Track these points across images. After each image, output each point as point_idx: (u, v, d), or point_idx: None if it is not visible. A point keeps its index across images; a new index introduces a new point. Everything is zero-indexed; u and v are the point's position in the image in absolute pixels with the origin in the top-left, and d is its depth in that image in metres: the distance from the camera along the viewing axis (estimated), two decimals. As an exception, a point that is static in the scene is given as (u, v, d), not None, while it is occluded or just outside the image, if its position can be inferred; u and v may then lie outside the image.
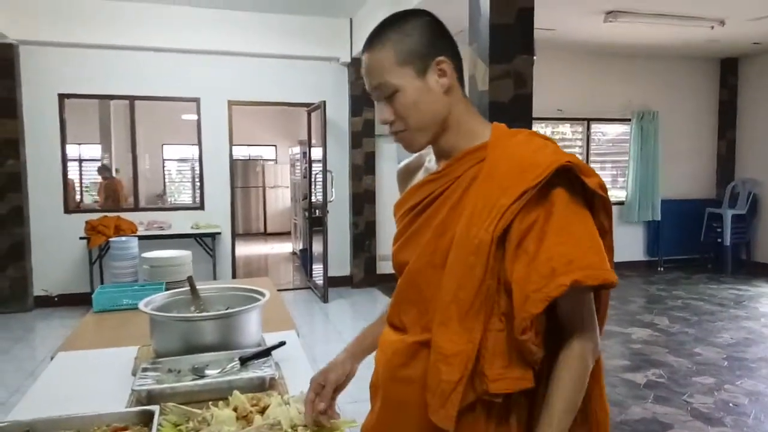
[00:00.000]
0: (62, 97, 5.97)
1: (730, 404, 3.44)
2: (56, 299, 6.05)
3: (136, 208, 6.56)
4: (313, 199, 6.98)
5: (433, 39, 1.06)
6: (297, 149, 9.96)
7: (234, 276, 6.64)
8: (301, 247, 8.61)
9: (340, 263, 6.87)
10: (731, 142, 7.99)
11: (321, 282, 6.38)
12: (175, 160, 11.13)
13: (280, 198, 12.07)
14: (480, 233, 1.00)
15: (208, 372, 1.51)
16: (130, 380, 1.57)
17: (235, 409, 1.24)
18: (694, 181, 8.16)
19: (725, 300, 6.11)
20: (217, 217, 6.53)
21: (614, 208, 4.65)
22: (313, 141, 6.93)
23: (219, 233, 6.42)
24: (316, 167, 6.80)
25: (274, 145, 12.44)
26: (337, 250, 6.77)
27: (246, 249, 9.88)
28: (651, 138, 7.74)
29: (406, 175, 1.27)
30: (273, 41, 6.37)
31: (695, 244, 7.88)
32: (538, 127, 7.17)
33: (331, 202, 6.21)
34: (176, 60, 6.24)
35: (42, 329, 5.40)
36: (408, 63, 1.05)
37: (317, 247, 6.99)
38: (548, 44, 6.72)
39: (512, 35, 3.09)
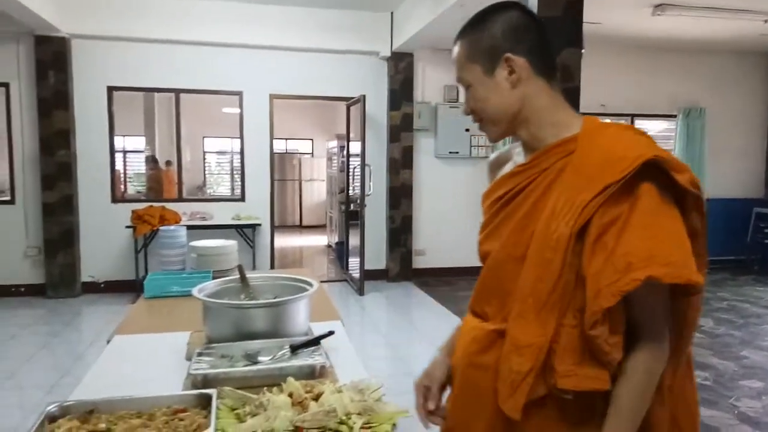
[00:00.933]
0: (111, 89, 6.15)
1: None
2: (102, 285, 6.25)
3: (179, 198, 6.72)
4: (351, 192, 7.02)
5: (507, 35, 1.07)
6: (334, 143, 10.03)
7: (272, 266, 6.74)
8: (336, 240, 8.68)
9: (376, 257, 6.90)
10: (781, 139, 7.70)
11: (357, 275, 6.43)
12: (215, 153, 11.36)
13: (315, 191, 12.20)
14: (560, 228, 0.99)
15: (260, 358, 1.55)
16: (184, 364, 1.62)
17: (290, 395, 1.27)
18: (742, 180, 7.89)
19: (773, 303, 5.91)
20: (257, 208, 6.63)
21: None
22: (352, 135, 6.96)
23: (259, 225, 6.53)
24: (354, 161, 6.84)
25: (311, 139, 12.57)
26: (374, 244, 6.80)
27: (282, 241, 10.02)
28: (697, 135, 7.51)
29: (495, 165, 1.28)
30: (314, 35, 6.43)
31: (742, 244, 7.63)
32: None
33: (368, 195, 6.24)
34: (220, 54, 6.35)
35: (89, 314, 5.60)
36: (476, 60, 1.08)
37: (354, 241, 7.04)
38: (594, 38, 6.58)
39: (560, 28, 3.04)
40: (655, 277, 0.90)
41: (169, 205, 6.30)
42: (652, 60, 7.43)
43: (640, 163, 0.94)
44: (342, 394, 1.28)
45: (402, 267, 6.94)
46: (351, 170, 6.97)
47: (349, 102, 6.76)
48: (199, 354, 1.55)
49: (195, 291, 1.77)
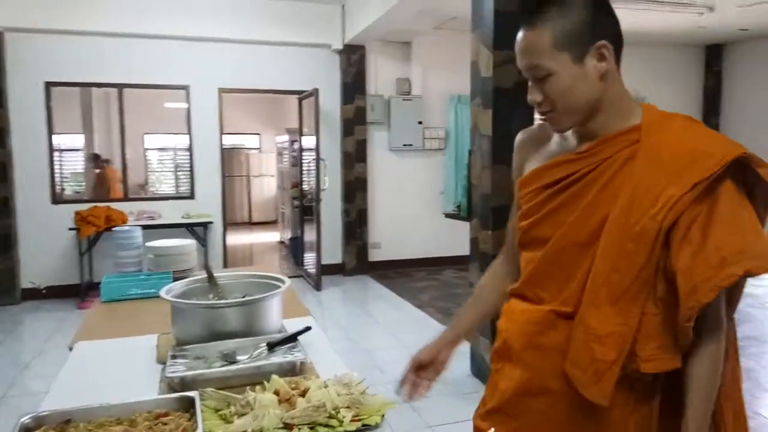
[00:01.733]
0: (49, 85, 5.83)
1: None
2: (44, 291, 5.95)
3: (125, 198, 6.47)
4: (305, 187, 6.94)
5: (595, 19, 1.01)
6: (284, 138, 9.87)
7: (225, 265, 6.60)
8: (290, 235, 8.58)
9: (332, 251, 6.86)
10: (715, 128, 8.10)
11: (313, 270, 6.38)
12: (156, 150, 10.96)
13: (265, 187, 12.01)
14: (643, 221, 0.99)
15: (238, 358, 1.51)
16: (156, 368, 1.57)
17: (276, 393, 1.25)
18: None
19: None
20: (207, 206, 6.47)
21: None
22: (305, 129, 6.88)
23: (211, 222, 6.37)
24: (307, 155, 6.76)
25: (258, 134, 12.33)
26: (329, 239, 6.75)
27: (232, 238, 9.78)
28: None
29: (529, 144, 1.22)
30: (264, 28, 6.30)
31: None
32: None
33: (324, 190, 6.19)
34: (165, 47, 6.13)
35: (32, 322, 5.32)
36: (566, 47, 1.00)
37: (309, 236, 6.98)
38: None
39: (516, 22, 3.09)
40: (749, 271, 0.93)
41: (114, 205, 6.06)
42: (594, 52, 7.66)
43: (731, 159, 0.96)
44: (328, 388, 1.27)
45: (358, 261, 6.93)
46: (305, 165, 6.89)
47: (302, 95, 6.68)
48: (174, 356, 1.50)
49: (163, 292, 1.72)
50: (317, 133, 6.08)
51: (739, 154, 0.95)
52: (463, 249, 7.35)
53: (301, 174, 6.94)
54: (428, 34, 6.65)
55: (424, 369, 1.28)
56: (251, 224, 11.74)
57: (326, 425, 1.17)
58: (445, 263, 7.26)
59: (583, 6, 1.01)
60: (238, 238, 10.03)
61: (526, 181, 1.16)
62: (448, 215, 3.99)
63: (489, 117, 3.14)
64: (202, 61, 6.28)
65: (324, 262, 6.51)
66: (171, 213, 6.33)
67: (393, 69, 6.96)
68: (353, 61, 6.67)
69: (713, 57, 8.08)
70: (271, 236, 10.34)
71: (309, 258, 6.82)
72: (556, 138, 1.16)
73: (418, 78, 7.01)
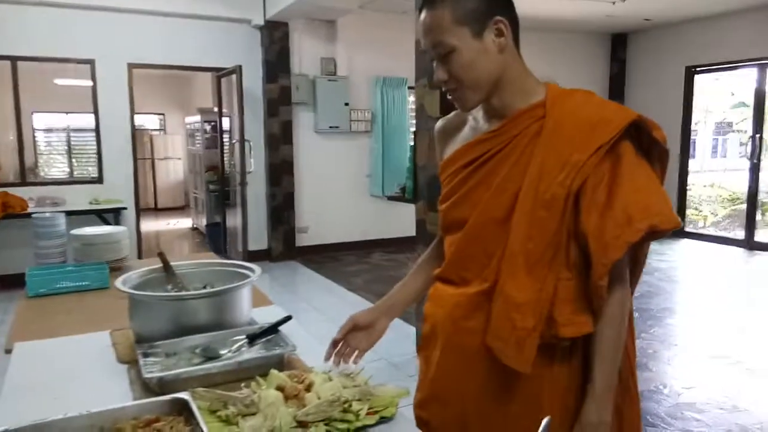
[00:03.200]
0: (-74, 54, 5.12)
1: (649, 351, 3.79)
2: (-70, 289, 5.28)
3: (23, 182, 5.85)
4: (227, 170, 6.63)
5: None
6: (195, 118, 9.36)
7: (140, 256, 6.18)
8: (206, 222, 8.19)
9: (258, 237, 6.63)
10: (620, 114, 8.65)
11: (238, 258, 6.13)
12: (43, 130, 9.96)
13: (171, 171, 11.38)
14: (552, 187, 1.03)
15: (222, 353, 1.38)
16: (119, 369, 1.41)
17: (279, 389, 1.14)
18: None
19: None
20: (117, 191, 6.00)
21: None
22: (224, 109, 6.55)
23: (124, 208, 5.91)
24: (228, 137, 6.45)
25: (162, 114, 11.62)
26: (254, 224, 6.52)
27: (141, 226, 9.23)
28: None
29: (446, 132, 1.28)
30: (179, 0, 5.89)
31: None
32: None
33: (250, 173, 5.93)
34: (68, 16, 5.56)
35: None
36: (465, 23, 1.04)
37: (231, 221, 6.69)
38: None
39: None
40: (654, 226, 0.99)
41: (10, 190, 5.46)
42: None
43: (628, 123, 1.03)
44: (334, 381, 1.18)
45: (285, 246, 6.75)
46: (225, 147, 6.57)
47: (221, 73, 6.34)
48: (146, 355, 1.34)
49: (119, 284, 1.54)
50: (241, 114, 5.81)
51: (634, 118, 1.03)
52: (392, 232, 7.43)
53: (222, 156, 6.62)
54: (354, 13, 6.52)
55: (358, 333, 1.27)
56: (157, 210, 11.07)
57: (342, 420, 1.08)
58: (373, 246, 7.24)
59: None
60: (144, 225, 9.43)
61: (445, 165, 1.21)
62: (391, 197, 3.94)
63: (436, 98, 3.11)
64: (110, 34, 5.78)
65: (249, 248, 6.28)
66: (76, 199, 5.82)
67: (318, 48, 6.78)
68: (276, 39, 6.41)
69: (618, 45, 8.57)
70: (182, 222, 9.82)
71: (232, 245, 6.55)
72: (470, 122, 1.20)
73: (343, 58, 6.88)
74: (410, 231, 7.44)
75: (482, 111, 1.17)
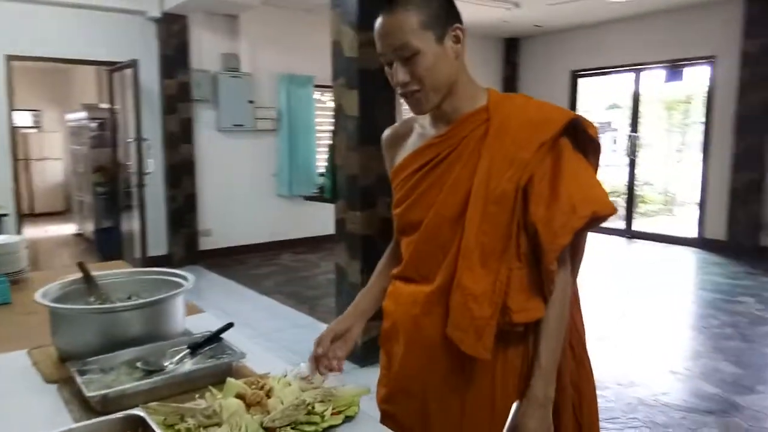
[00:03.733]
0: None
1: None
2: None
3: None
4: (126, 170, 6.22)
5: (449, 6, 1.13)
6: (80, 115, 8.67)
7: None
8: (93, 227, 7.61)
9: (156, 242, 6.28)
10: (513, 114, 9.18)
11: (136, 265, 5.78)
12: None
13: (48, 172, 10.49)
14: (502, 184, 1.10)
15: (166, 365, 1.32)
16: (48, 389, 1.30)
17: (239, 397, 1.11)
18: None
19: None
20: (-5, 195, 5.44)
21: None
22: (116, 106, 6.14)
23: (6, 215, 5.35)
24: (122, 135, 6.05)
25: (38, 110, 10.67)
26: (153, 228, 6.16)
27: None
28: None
29: (395, 140, 1.33)
30: (63, -14, 5.43)
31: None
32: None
33: (148, 174, 5.61)
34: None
35: None
36: (429, 28, 1.09)
37: (127, 226, 6.30)
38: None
39: (378, 2, 3.11)
40: (595, 212, 1.08)
41: None
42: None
43: (566, 121, 1.11)
44: (293, 386, 1.17)
45: (187, 250, 6.45)
46: (118, 146, 6.16)
47: (113, 67, 5.93)
48: (82, 372, 1.25)
49: (39, 297, 1.42)
50: (138, 111, 5.48)
51: (572, 117, 1.12)
52: (301, 232, 7.35)
53: (116, 156, 6.20)
54: (256, 8, 6.37)
55: (335, 342, 1.31)
56: (34, 215, 10.13)
57: (308, 422, 1.08)
58: (281, 247, 7.13)
59: None
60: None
61: (397, 171, 1.26)
62: (308, 197, 3.91)
63: (355, 98, 3.13)
64: (-18, 21, 5.21)
65: (148, 254, 5.94)
66: (-57, 204, 5.20)
67: (219, 43, 6.54)
68: (174, 32, 6.11)
69: (511, 49, 9.08)
70: (63, 228, 9.07)
71: (128, 251, 6.16)
72: (417, 130, 1.27)
73: (246, 54, 6.69)
74: (320, 230, 7.45)
75: (429, 117, 1.22)
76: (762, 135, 6.33)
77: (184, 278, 1.64)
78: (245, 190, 6.89)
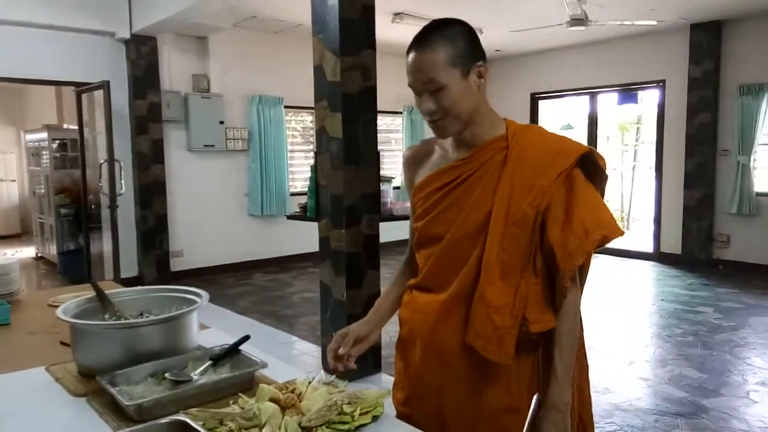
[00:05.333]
0: None
1: None
2: None
3: None
4: (90, 193, 6.13)
5: (473, 45, 1.24)
6: (40, 135, 8.47)
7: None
8: (56, 250, 7.42)
9: (127, 263, 6.18)
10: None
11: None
12: None
13: (5, 193, 10.18)
14: (523, 207, 1.22)
15: (193, 375, 1.39)
16: (76, 403, 1.34)
17: (274, 401, 1.19)
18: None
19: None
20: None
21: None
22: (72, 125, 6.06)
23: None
24: (90, 156, 5.98)
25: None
26: (123, 249, 6.06)
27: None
28: (418, 128, 8.72)
29: (416, 158, 1.43)
30: (33, 7, 5.38)
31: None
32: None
33: (120, 195, 5.56)
34: None
35: None
36: (456, 65, 1.20)
37: (96, 248, 6.19)
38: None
39: (359, 30, 3.26)
40: (606, 236, 1.21)
41: None
42: (386, 63, 8.27)
43: (581, 153, 1.24)
44: (321, 389, 1.26)
45: (159, 271, 6.37)
46: (87, 167, 6.08)
47: (82, 88, 5.88)
48: (112, 384, 1.30)
49: (60, 313, 1.47)
50: (110, 131, 5.43)
51: (585, 151, 1.25)
52: (273, 251, 7.35)
53: (84, 177, 6.11)
54: (226, 30, 6.44)
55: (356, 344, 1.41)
56: (-11, 239, 9.79)
57: (341, 422, 1.17)
58: (253, 267, 7.12)
59: (463, 34, 1.24)
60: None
61: (419, 188, 1.36)
62: (290, 216, 3.96)
63: (338, 120, 3.25)
64: (-53, 40, 5.11)
65: (120, 276, 5.86)
66: None
67: (188, 64, 6.57)
68: (143, 53, 6.10)
69: (474, 73, 9.37)
70: (21, 251, 8.79)
71: (98, 273, 6.05)
72: (438, 151, 1.38)
73: (216, 75, 6.74)
74: (292, 250, 7.47)
75: (452, 141, 1.34)
76: (710, 154, 6.76)
77: (196, 294, 1.70)
78: (217, 210, 6.88)
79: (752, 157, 6.44)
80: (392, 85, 8.35)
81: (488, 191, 1.24)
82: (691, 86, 6.76)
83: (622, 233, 1.22)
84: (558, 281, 1.21)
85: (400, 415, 1.36)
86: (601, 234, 1.19)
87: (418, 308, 1.34)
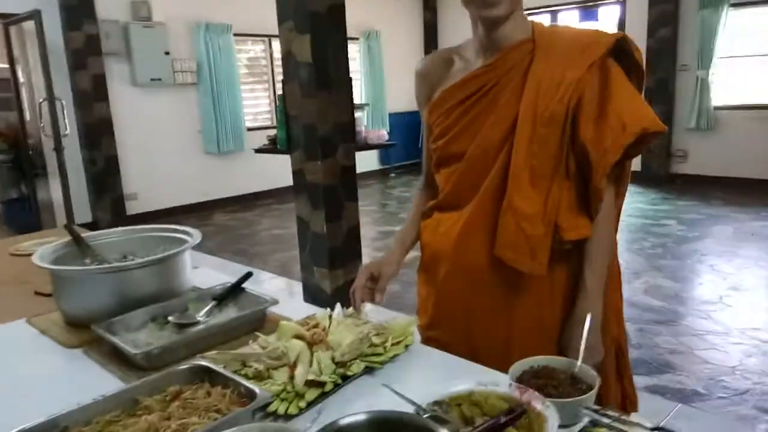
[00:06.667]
0: None
1: None
2: None
3: None
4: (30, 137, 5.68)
5: None
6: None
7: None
8: (4, 197, 6.96)
9: (79, 209, 5.85)
10: (435, 59, 9.22)
11: (63, 233, 5.38)
12: None
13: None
14: (551, 106, 1.10)
15: (198, 318, 1.27)
16: (72, 355, 1.22)
17: (299, 338, 1.10)
18: (411, 95, 9.18)
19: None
20: None
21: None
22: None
23: None
24: (25, 94, 5.49)
25: None
26: (73, 195, 5.71)
27: None
28: (376, 56, 8.40)
29: (432, 71, 1.29)
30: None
31: (416, 150, 9.07)
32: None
33: (66, 136, 5.16)
34: None
35: None
36: None
37: (42, 194, 5.81)
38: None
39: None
40: (645, 129, 1.09)
41: None
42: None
43: (615, 40, 1.12)
44: (345, 322, 1.17)
45: (114, 216, 6.07)
46: (23, 107, 5.60)
47: (9, 20, 5.30)
48: (110, 332, 1.18)
49: (37, 260, 1.31)
50: (46, 67, 4.96)
51: (619, 37, 1.13)
52: (233, 189, 7.09)
53: (22, 119, 5.64)
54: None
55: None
56: None
57: (374, 354, 1.09)
58: (213, 207, 6.89)
59: None
60: None
61: (437, 104, 1.23)
62: (259, 150, 3.75)
63: (307, 43, 3.00)
64: None
65: (73, 222, 5.54)
66: None
67: (126, -10, 6.02)
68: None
69: (429, -6, 9.04)
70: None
71: (48, 221, 5.71)
72: (458, 62, 1.25)
73: (158, 2, 6.20)
74: (253, 187, 7.24)
75: (476, 46, 1.21)
76: (670, 69, 6.79)
77: (184, 233, 1.57)
78: (170, 149, 6.53)
79: (711, 71, 6.51)
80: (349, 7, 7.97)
81: (515, 96, 1.13)
82: (653, 1, 6.69)
83: (664, 128, 1.10)
84: (592, 183, 1.11)
85: (426, 340, 1.28)
86: (641, 126, 1.08)
87: (441, 230, 1.26)
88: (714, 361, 2.67)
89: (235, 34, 6.82)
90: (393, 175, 8.85)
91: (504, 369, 1.01)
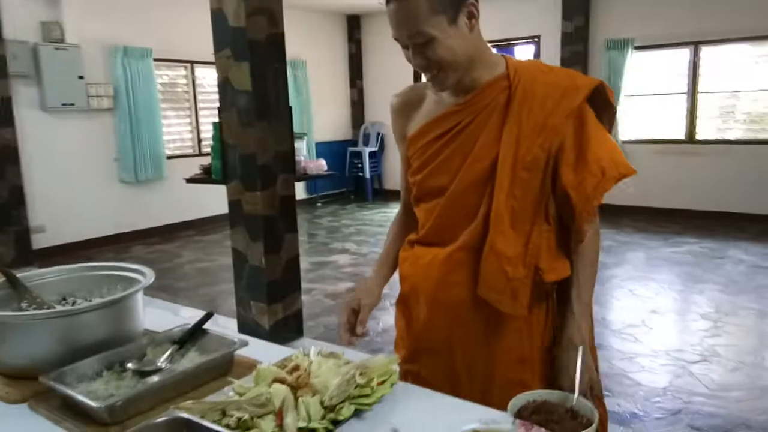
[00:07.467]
0: None
1: None
2: None
3: None
4: None
5: None
6: None
7: None
8: None
9: (-24, 243, 5.35)
10: (360, 90, 9.35)
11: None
12: None
13: None
14: (533, 150, 1.13)
15: (160, 365, 1.18)
16: (19, 413, 1.09)
17: (280, 382, 1.04)
18: (338, 125, 9.28)
19: (381, 221, 7.35)
20: None
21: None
22: None
23: None
24: None
25: None
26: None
27: None
28: (302, 85, 8.39)
29: (407, 106, 1.30)
30: None
31: (342, 179, 9.08)
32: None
33: (-36, 163, 4.71)
34: None
35: None
36: (440, 12, 1.06)
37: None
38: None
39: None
40: (622, 174, 1.13)
41: None
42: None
43: (593, 87, 1.15)
44: (327, 363, 1.13)
45: (18, 251, 5.56)
46: None
47: None
48: (66, 383, 1.07)
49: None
50: (-57, 88, 4.54)
51: (597, 84, 1.16)
52: (152, 220, 6.73)
53: None
54: (82, -29, 5.62)
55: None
56: None
57: (360, 395, 1.05)
58: (131, 239, 6.51)
59: None
60: None
61: (415, 138, 1.25)
62: (190, 180, 3.59)
63: (246, 71, 2.94)
64: None
65: (-30, 257, 5.04)
66: None
67: (36, 10, 5.65)
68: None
69: (353, 26, 9.18)
70: None
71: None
72: (431, 96, 1.25)
73: (71, 23, 5.87)
74: (173, 218, 6.91)
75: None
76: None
77: (134, 271, 1.47)
78: (83, 178, 6.12)
79: (618, 108, 7.01)
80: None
81: (493, 136, 1.14)
82: (564, 41, 7.18)
83: (635, 172, 1.16)
84: (575, 225, 1.15)
85: (404, 373, 1.26)
86: (618, 172, 1.12)
87: (421, 263, 1.25)
88: (646, 383, 2.82)
89: (155, 59, 6.58)
90: (319, 204, 8.78)
91: (484, 402, 1.02)
